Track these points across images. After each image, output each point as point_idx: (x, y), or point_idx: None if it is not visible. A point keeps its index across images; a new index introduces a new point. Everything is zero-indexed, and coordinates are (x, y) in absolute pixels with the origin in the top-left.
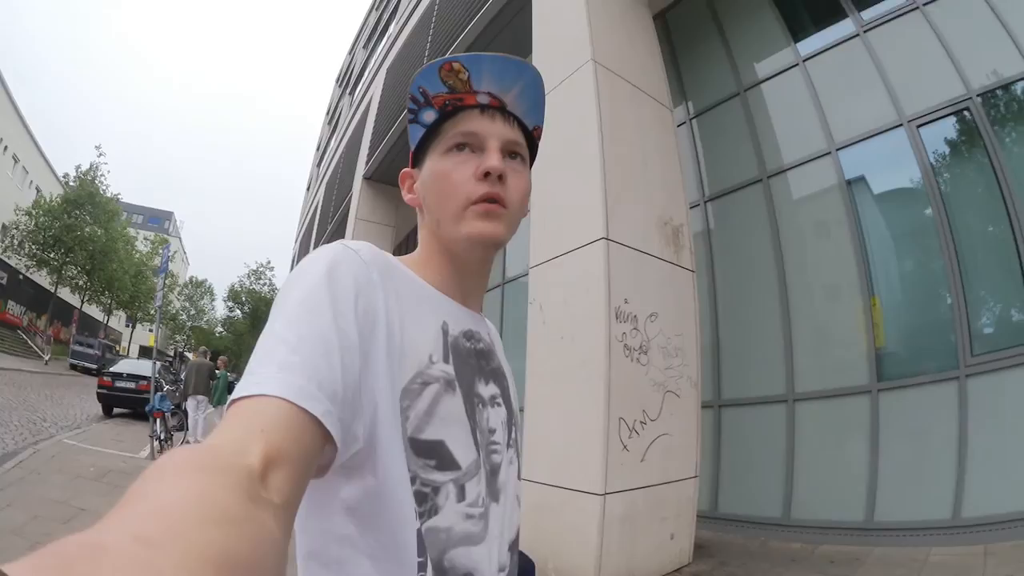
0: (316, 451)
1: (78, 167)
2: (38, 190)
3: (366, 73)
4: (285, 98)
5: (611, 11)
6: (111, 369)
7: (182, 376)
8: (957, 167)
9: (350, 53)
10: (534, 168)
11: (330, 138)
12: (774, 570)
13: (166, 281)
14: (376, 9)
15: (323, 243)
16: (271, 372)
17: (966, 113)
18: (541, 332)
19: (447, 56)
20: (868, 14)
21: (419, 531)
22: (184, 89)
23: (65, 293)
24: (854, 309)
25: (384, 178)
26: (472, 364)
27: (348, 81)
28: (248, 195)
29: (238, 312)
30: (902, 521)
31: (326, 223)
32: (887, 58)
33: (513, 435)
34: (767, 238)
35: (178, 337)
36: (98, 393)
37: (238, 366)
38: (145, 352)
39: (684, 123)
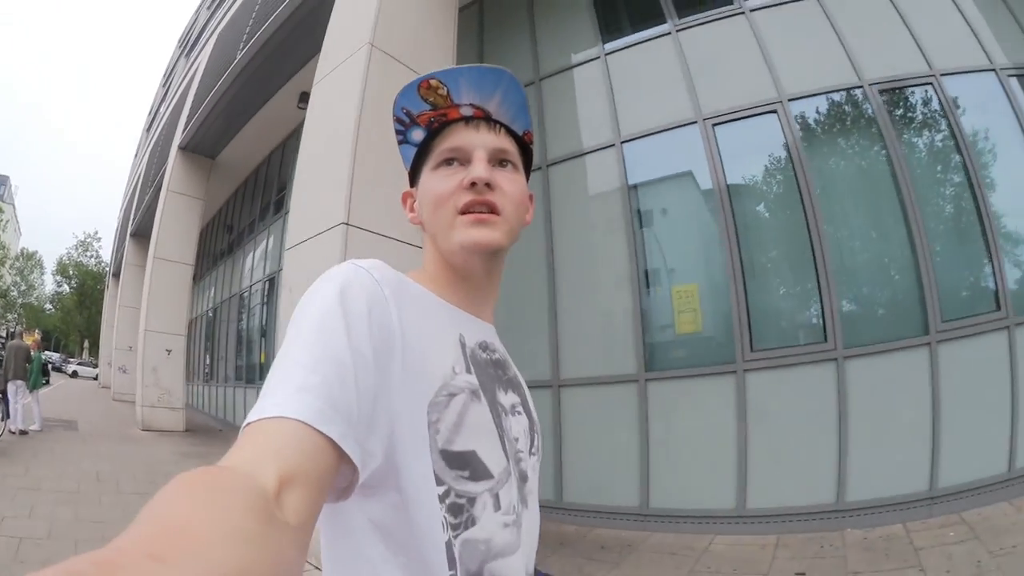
0: (331, 473)
1: None
2: None
3: (202, 36)
4: (130, 54)
5: (407, 5)
6: None
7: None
8: (752, 170)
9: (196, 12)
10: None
11: (160, 103)
12: (540, 553)
13: None
14: None
15: (133, 221)
16: (288, 394)
17: (771, 116)
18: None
19: (424, 74)
20: (683, 16)
21: (448, 543)
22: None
23: None
24: (624, 300)
25: (200, 149)
26: (491, 374)
27: (187, 42)
28: (85, 160)
29: (66, 287)
30: (679, 509)
31: (144, 194)
32: (693, 57)
33: (536, 443)
34: (540, 224)
35: (9, 316)
36: None
37: (67, 345)
38: None
39: None
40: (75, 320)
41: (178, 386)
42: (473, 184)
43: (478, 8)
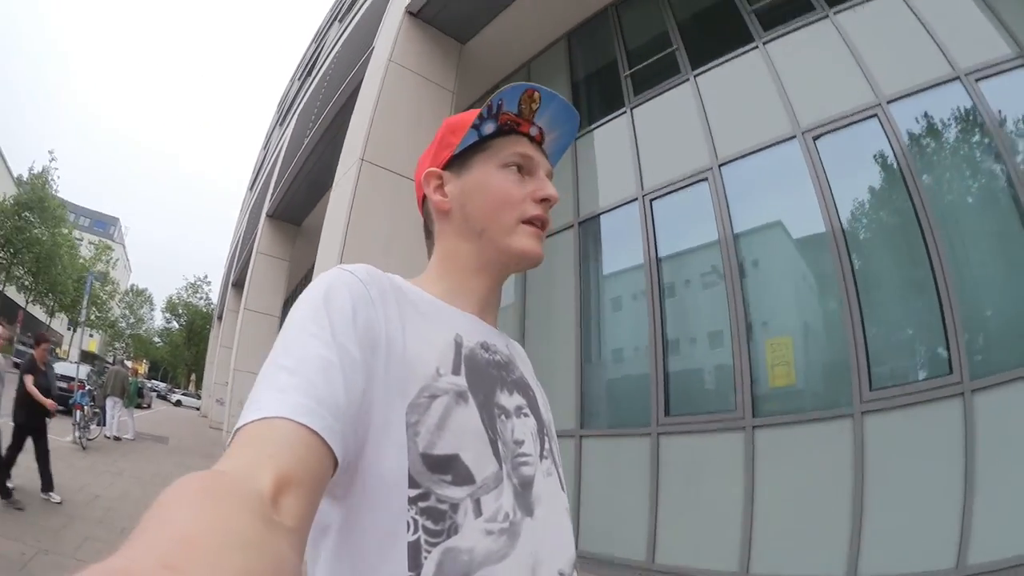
0: (325, 470)
1: (31, 169)
2: None
3: (292, 107)
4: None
5: (398, 121)
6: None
7: (103, 380)
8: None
9: (290, 81)
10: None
11: (260, 166)
12: None
13: (107, 288)
14: (314, 41)
15: (234, 272)
16: (270, 396)
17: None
18: None
19: (533, 84)
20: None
21: (415, 544)
22: (148, 92)
23: (11, 292)
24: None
25: (285, 216)
26: (492, 375)
27: (282, 111)
28: (198, 207)
29: (175, 324)
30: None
31: (242, 250)
32: (646, 133)
33: (547, 446)
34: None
35: (117, 344)
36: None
37: (174, 377)
38: (86, 357)
39: None
40: (183, 354)
41: None
42: (544, 200)
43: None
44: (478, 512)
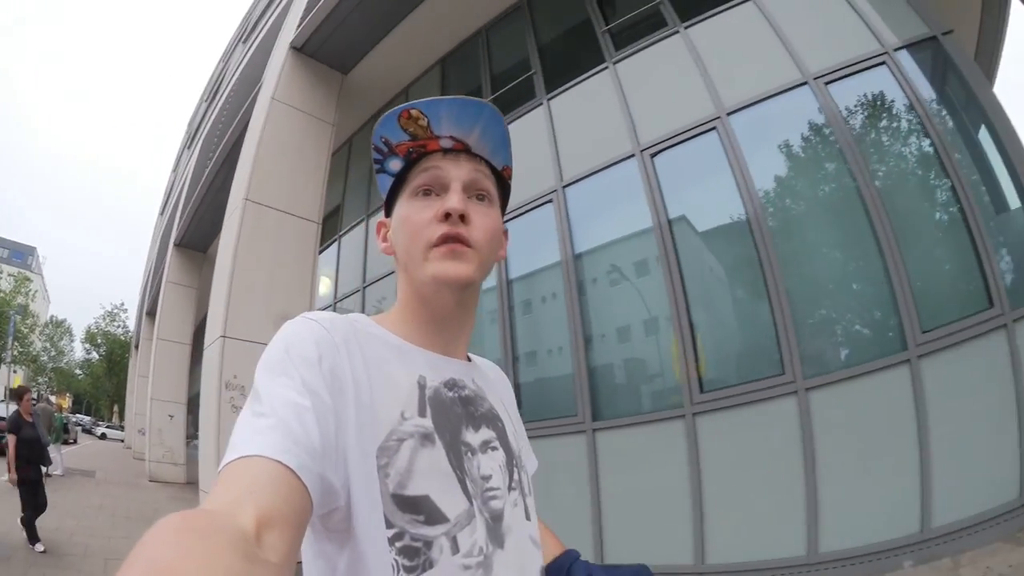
0: (304, 506)
1: None
2: None
3: (198, 134)
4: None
5: (281, 158)
6: None
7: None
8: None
9: (197, 106)
10: None
11: (169, 192)
12: None
13: (27, 322)
14: (221, 60)
15: (147, 300)
16: (247, 437)
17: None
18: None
19: (405, 104)
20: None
21: None
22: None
23: None
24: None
25: (191, 244)
26: (457, 413)
27: (191, 133)
28: (113, 229)
29: (95, 354)
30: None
31: (154, 278)
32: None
33: (516, 477)
34: None
35: (40, 379)
36: None
37: (98, 409)
38: (12, 395)
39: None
40: (105, 385)
41: (179, 446)
42: (447, 215)
43: (347, 149)
44: (455, 549)
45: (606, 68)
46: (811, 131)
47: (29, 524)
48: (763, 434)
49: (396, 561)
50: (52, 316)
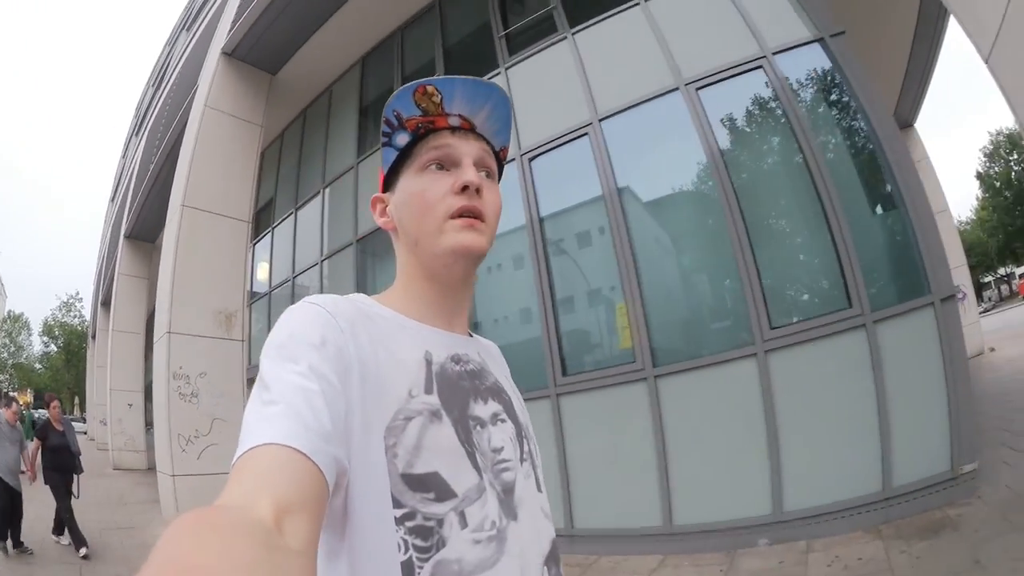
0: (321, 490)
1: None
2: None
3: (146, 118)
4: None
5: (214, 163)
6: None
7: None
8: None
9: (144, 89)
10: None
11: (120, 176)
12: None
13: None
14: (167, 45)
15: (102, 291)
16: (258, 426)
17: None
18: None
19: (421, 80)
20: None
21: (408, 564)
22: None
23: None
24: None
25: (142, 235)
26: (465, 387)
27: (139, 119)
28: (63, 216)
29: (53, 347)
30: None
31: (107, 268)
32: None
33: (526, 448)
34: None
35: (1, 377)
36: None
37: (61, 402)
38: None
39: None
40: (64, 378)
41: (139, 433)
42: (464, 188)
43: (278, 144)
44: (463, 524)
45: (499, 72)
46: (682, 135)
47: (66, 526)
48: (619, 417)
49: (405, 540)
50: (10, 311)
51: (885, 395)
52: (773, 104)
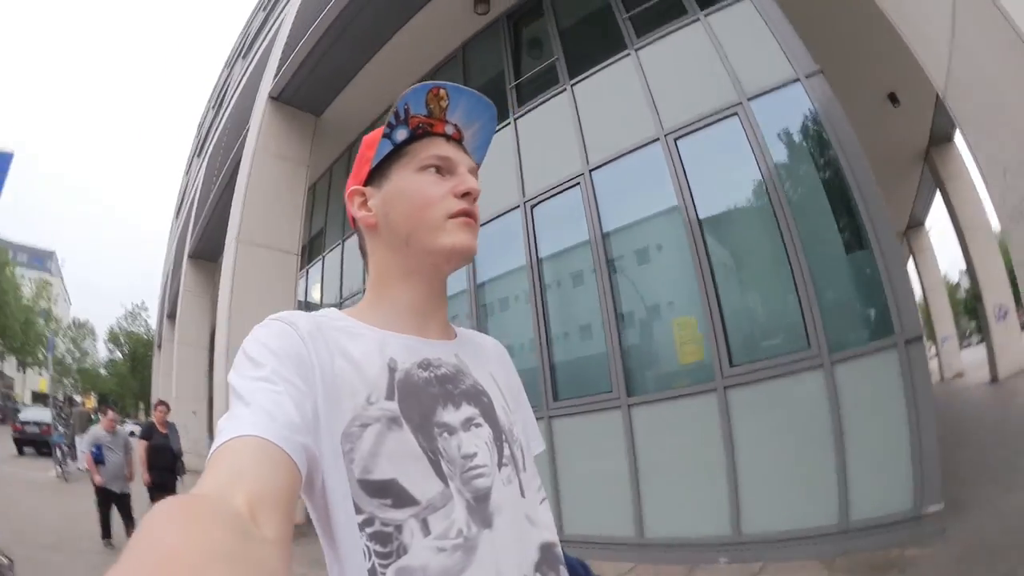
0: (292, 479)
1: None
2: None
3: (207, 140)
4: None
5: (265, 201)
6: (21, 418)
7: (70, 421)
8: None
9: (208, 106)
10: None
11: (184, 194)
12: None
13: (51, 326)
14: (226, 67)
15: (167, 302)
16: (229, 424)
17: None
18: None
19: (437, 81)
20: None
21: (372, 571)
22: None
23: None
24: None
25: (205, 255)
26: (432, 393)
27: (200, 139)
28: (128, 225)
29: (119, 354)
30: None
31: (172, 283)
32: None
33: (507, 452)
34: None
35: (66, 380)
36: (13, 437)
37: (125, 408)
38: (38, 398)
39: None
40: (130, 384)
41: (203, 439)
42: (466, 194)
43: (327, 178)
44: (426, 531)
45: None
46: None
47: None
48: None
49: (367, 547)
50: (74, 318)
51: (842, 433)
52: (744, 149)
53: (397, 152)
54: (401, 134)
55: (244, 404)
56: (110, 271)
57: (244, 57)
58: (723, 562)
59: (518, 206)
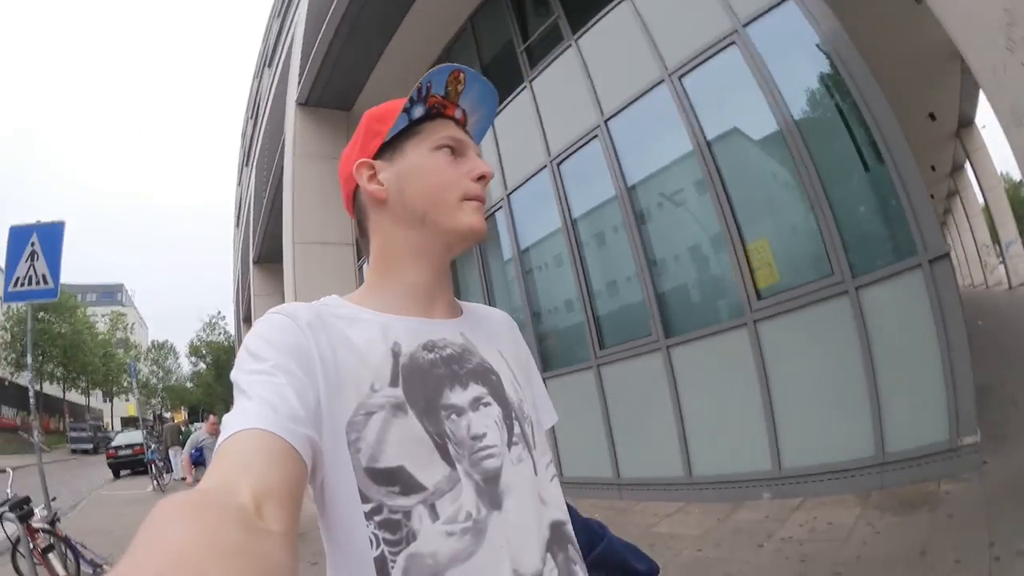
0: (298, 471)
1: None
2: None
3: (252, 149)
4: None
5: (313, 201)
6: (113, 444)
7: (161, 437)
8: None
9: (246, 117)
10: None
11: (240, 202)
12: None
13: (131, 353)
14: (255, 78)
15: (241, 308)
16: (234, 419)
17: None
18: None
19: (459, 65)
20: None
21: (380, 559)
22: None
23: (47, 386)
24: None
25: (268, 258)
26: (438, 375)
27: (246, 148)
28: (190, 242)
29: (202, 365)
30: None
31: (243, 289)
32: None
33: (517, 431)
34: None
35: (153, 400)
36: (108, 463)
37: (215, 415)
38: (127, 422)
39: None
40: (217, 391)
41: None
42: (481, 177)
43: None
44: (434, 516)
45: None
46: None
47: None
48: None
49: (375, 535)
50: (153, 340)
51: (873, 362)
52: (748, 78)
53: (410, 129)
54: (419, 111)
55: (247, 398)
56: (176, 288)
57: (269, 66)
58: (767, 498)
59: (545, 166)
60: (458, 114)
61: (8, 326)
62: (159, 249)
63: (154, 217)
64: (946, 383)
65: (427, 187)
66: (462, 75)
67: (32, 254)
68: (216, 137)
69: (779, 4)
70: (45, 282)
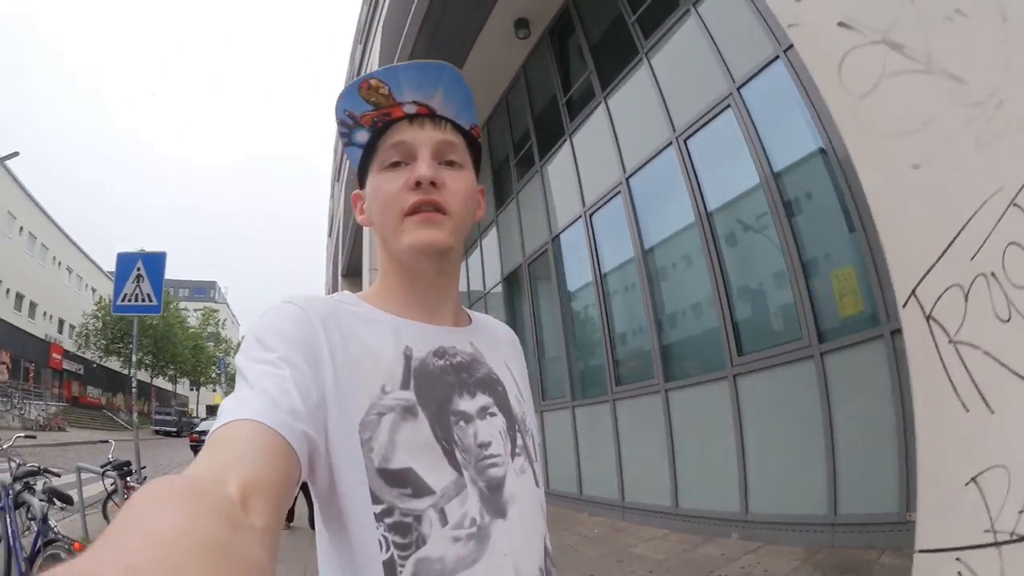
0: (291, 467)
1: None
2: (93, 291)
3: (342, 168)
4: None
5: None
6: (198, 429)
7: None
8: None
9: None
10: None
11: (332, 219)
12: None
13: (221, 347)
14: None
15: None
16: (232, 406)
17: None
18: None
19: (365, 75)
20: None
21: (389, 563)
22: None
23: (139, 375)
24: None
25: (354, 274)
26: (448, 381)
27: (337, 166)
28: (281, 237)
29: None
30: None
31: (345, 271)
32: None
33: (520, 442)
34: None
35: None
36: (191, 446)
37: None
38: (212, 410)
39: None
40: None
41: None
42: (418, 184)
43: None
44: (444, 521)
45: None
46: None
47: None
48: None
49: (385, 538)
50: (243, 336)
51: (831, 426)
52: (739, 139)
53: (371, 150)
54: (362, 136)
55: (249, 387)
56: (277, 293)
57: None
58: (734, 537)
59: (580, 216)
60: (410, 110)
61: (100, 315)
62: (254, 250)
63: (253, 225)
64: (898, 457)
65: (377, 212)
66: (374, 80)
67: (138, 276)
68: (311, 149)
69: (769, 64)
70: (150, 300)
